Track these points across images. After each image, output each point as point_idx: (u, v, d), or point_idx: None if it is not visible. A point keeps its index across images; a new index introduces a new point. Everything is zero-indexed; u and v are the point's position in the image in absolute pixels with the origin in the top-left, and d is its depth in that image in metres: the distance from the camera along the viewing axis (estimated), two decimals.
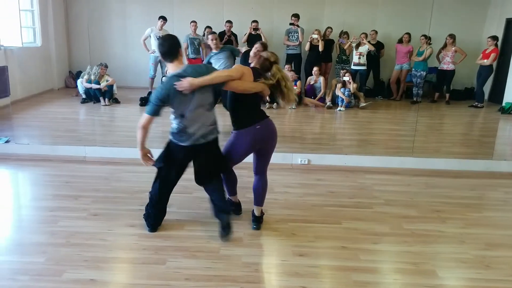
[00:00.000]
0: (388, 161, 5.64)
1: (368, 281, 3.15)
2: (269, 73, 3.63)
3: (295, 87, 9.04)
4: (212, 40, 6.45)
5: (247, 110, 3.63)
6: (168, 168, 3.62)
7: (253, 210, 3.91)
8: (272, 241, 3.72)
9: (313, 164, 5.61)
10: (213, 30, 9.48)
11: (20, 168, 5.41)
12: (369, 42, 10.00)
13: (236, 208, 4.12)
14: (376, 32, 10.28)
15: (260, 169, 3.81)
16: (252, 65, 3.73)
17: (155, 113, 3.36)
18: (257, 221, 3.87)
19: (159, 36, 9.24)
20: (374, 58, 10.23)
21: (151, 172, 5.22)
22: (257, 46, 3.88)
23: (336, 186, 5.03)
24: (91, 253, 3.38)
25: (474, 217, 4.34)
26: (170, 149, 3.58)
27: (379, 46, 10.34)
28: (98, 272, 3.14)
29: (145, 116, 3.39)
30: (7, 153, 5.69)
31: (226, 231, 3.58)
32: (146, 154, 3.62)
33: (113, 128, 7.69)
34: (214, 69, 3.57)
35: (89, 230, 3.75)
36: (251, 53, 3.84)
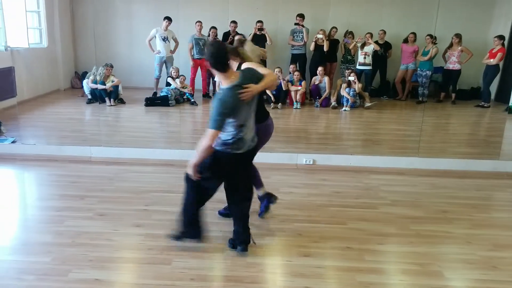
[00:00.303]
0: (394, 162, 5.62)
1: (373, 282, 3.14)
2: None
3: (299, 87, 9.03)
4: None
5: (259, 106, 3.60)
6: (212, 178, 3.37)
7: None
8: (277, 241, 3.72)
9: (318, 164, 5.60)
10: (218, 30, 9.53)
11: (26, 168, 5.43)
12: (376, 42, 9.97)
13: (271, 199, 4.11)
14: (385, 32, 10.23)
15: None
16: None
17: (220, 127, 3.07)
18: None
19: (165, 37, 9.28)
20: (381, 58, 10.19)
21: (156, 172, 5.29)
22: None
23: (342, 187, 5.01)
24: (96, 253, 3.38)
25: (480, 217, 4.32)
26: (219, 159, 3.28)
27: (387, 46, 10.30)
28: (104, 272, 3.15)
29: (211, 132, 3.05)
30: (14, 153, 5.72)
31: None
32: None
33: (119, 128, 7.71)
34: (256, 71, 3.36)
35: (95, 230, 3.76)
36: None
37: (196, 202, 3.45)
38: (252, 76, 3.21)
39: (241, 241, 3.47)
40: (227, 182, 3.48)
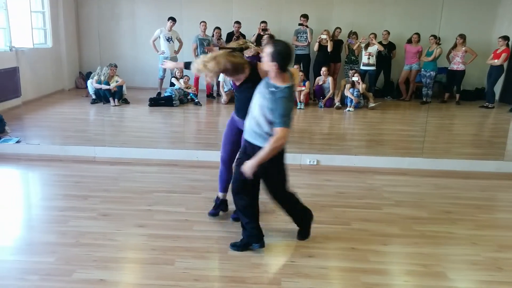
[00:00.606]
0: (398, 162, 5.61)
1: (377, 283, 3.13)
2: None
3: (303, 88, 9.03)
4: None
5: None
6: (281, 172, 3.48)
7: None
8: (281, 242, 3.71)
9: (322, 164, 5.59)
10: (221, 31, 9.55)
11: (30, 168, 5.44)
12: (380, 42, 9.96)
13: (223, 205, 4.13)
14: (388, 33, 10.21)
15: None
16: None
17: (290, 125, 3.12)
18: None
19: (169, 37, 9.29)
20: (385, 58, 10.17)
21: (159, 172, 5.29)
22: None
23: (345, 187, 5.00)
24: (100, 253, 3.39)
25: (485, 218, 4.30)
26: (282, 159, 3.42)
27: (391, 46, 10.28)
28: (107, 272, 3.15)
29: (285, 131, 3.06)
30: (18, 153, 5.73)
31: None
32: None
33: (123, 129, 7.73)
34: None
35: (99, 230, 3.77)
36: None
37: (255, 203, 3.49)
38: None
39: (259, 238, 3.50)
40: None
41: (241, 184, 3.39)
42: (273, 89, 3.11)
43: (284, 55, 3.10)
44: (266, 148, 3.11)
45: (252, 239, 3.48)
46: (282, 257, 3.48)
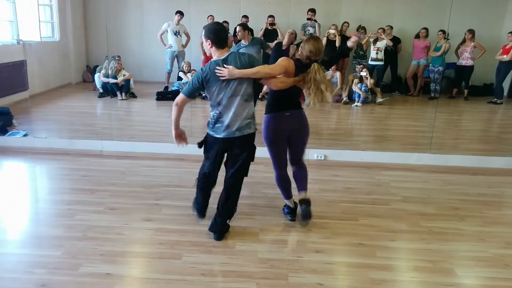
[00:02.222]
0: (406, 158, 5.58)
1: (384, 279, 3.12)
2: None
3: None
4: (238, 32, 6.78)
5: (281, 96, 3.64)
6: (205, 159, 3.64)
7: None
8: (288, 237, 3.71)
9: (329, 160, 5.57)
10: (229, 25, 9.51)
11: (37, 161, 5.46)
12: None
13: (292, 212, 3.98)
14: (392, 28, 10.15)
15: (294, 158, 3.88)
16: (293, 54, 3.70)
17: (191, 95, 3.44)
18: (306, 204, 3.78)
19: (176, 31, 9.27)
20: (391, 53, 10.11)
21: (167, 166, 5.29)
22: (290, 31, 4.03)
23: (353, 182, 4.99)
24: (107, 247, 3.40)
25: (493, 215, 4.28)
26: (207, 141, 3.58)
27: (395, 41, 10.22)
28: (114, 266, 3.16)
29: (180, 96, 3.43)
30: (25, 147, 5.76)
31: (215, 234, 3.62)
32: (180, 135, 3.62)
33: (130, 122, 7.73)
34: (258, 61, 3.46)
35: (106, 224, 3.78)
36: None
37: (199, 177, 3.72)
38: (245, 62, 3.34)
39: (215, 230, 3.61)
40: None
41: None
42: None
43: (214, 31, 3.33)
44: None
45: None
46: (289, 252, 3.47)
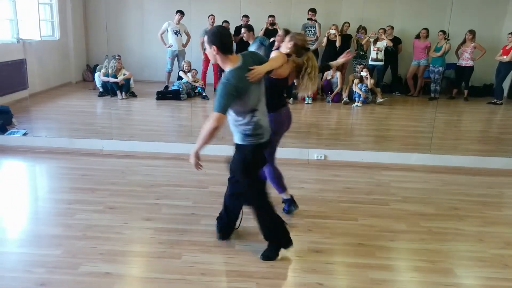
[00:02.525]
0: (405, 158, 5.58)
1: (384, 279, 3.12)
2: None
3: None
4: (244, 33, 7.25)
5: (277, 94, 3.63)
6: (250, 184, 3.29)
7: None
8: None
9: (329, 159, 5.57)
10: (230, 24, 9.51)
11: (37, 160, 5.46)
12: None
13: (293, 202, 4.06)
14: (392, 28, 10.15)
15: (271, 157, 3.82)
16: (282, 50, 3.66)
17: (225, 110, 2.91)
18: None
19: (177, 30, 9.27)
20: (392, 53, 10.11)
21: (167, 166, 5.29)
22: (280, 34, 4.02)
23: (353, 182, 4.99)
24: (107, 246, 3.40)
25: (492, 215, 4.28)
26: (246, 157, 3.18)
27: (396, 41, 10.22)
28: (114, 265, 3.16)
29: (218, 115, 2.88)
30: (25, 146, 5.76)
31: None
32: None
33: (130, 122, 7.73)
34: (259, 55, 3.36)
35: (106, 223, 3.78)
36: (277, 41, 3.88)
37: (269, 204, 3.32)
38: (255, 59, 3.13)
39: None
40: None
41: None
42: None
43: (218, 35, 2.99)
44: (201, 132, 3.00)
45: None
46: (289, 252, 3.47)
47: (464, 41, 9.72)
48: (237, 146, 3.18)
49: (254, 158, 3.20)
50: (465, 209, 4.36)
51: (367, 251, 3.48)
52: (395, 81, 10.60)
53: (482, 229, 3.96)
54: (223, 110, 2.88)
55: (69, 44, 10.52)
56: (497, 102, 9.54)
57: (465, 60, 9.74)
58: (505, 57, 9.31)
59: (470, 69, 9.79)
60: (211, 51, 3.00)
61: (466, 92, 10.04)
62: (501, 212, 4.42)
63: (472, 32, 9.56)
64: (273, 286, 3.01)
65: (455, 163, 5.54)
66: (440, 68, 9.80)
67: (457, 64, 9.99)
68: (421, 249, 3.56)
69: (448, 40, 9.67)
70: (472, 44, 9.60)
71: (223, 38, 2.99)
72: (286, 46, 3.61)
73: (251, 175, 3.25)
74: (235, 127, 3.12)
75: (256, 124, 3.08)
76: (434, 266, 3.31)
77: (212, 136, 2.97)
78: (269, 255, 3.30)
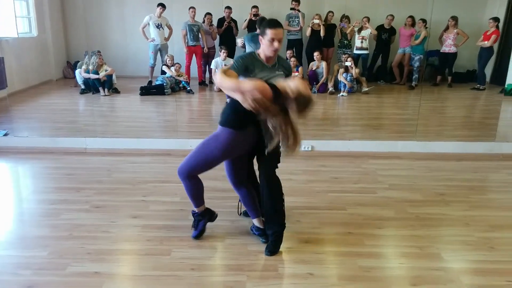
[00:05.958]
0: (391, 146, 5.62)
1: (373, 266, 3.14)
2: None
3: (296, 73, 8.96)
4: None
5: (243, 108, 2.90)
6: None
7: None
8: None
9: (316, 150, 5.58)
10: (212, 16, 9.42)
11: (19, 161, 5.38)
12: (382, 26, 9.88)
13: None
14: (393, 17, 10.10)
15: (244, 177, 3.46)
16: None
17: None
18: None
19: (158, 24, 9.17)
20: (386, 43, 10.08)
21: (153, 162, 5.25)
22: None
23: (340, 172, 5.00)
24: (94, 246, 3.36)
25: (478, 199, 4.34)
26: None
27: (391, 32, 10.17)
28: (102, 264, 3.13)
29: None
30: (6, 146, 5.66)
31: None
32: None
33: (114, 119, 7.64)
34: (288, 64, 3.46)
35: (92, 223, 3.73)
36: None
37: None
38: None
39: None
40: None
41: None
42: None
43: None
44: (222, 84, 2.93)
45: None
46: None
47: (447, 28, 9.76)
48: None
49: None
50: (451, 194, 4.40)
51: (356, 239, 3.50)
52: (381, 70, 10.60)
53: (468, 213, 4.00)
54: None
55: (48, 40, 10.32)
56: (480, 88, 9.61)
57: (448, 47, 9.77)
58: (486, 42, 9.37)
59: (453, 55, 9.83)
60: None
61: (449, 78, 10.09)
62: (486, 196, 4.48)
63: (454, 18, 9.58)
64: (264, 278, 3.00)
65: (440, 149, 5.59)
66: (420, 56, 9.83)
67: (441, 51, 10.04)
68: (409, 235, 3.59)
69: (427, 28, 9.68)
70: (455, 31, 9.64)
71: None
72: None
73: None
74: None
75: None
76: (422, 252, 3.34)
77: (227, 79, 2.87)
78: (273, 249, 3.29)
